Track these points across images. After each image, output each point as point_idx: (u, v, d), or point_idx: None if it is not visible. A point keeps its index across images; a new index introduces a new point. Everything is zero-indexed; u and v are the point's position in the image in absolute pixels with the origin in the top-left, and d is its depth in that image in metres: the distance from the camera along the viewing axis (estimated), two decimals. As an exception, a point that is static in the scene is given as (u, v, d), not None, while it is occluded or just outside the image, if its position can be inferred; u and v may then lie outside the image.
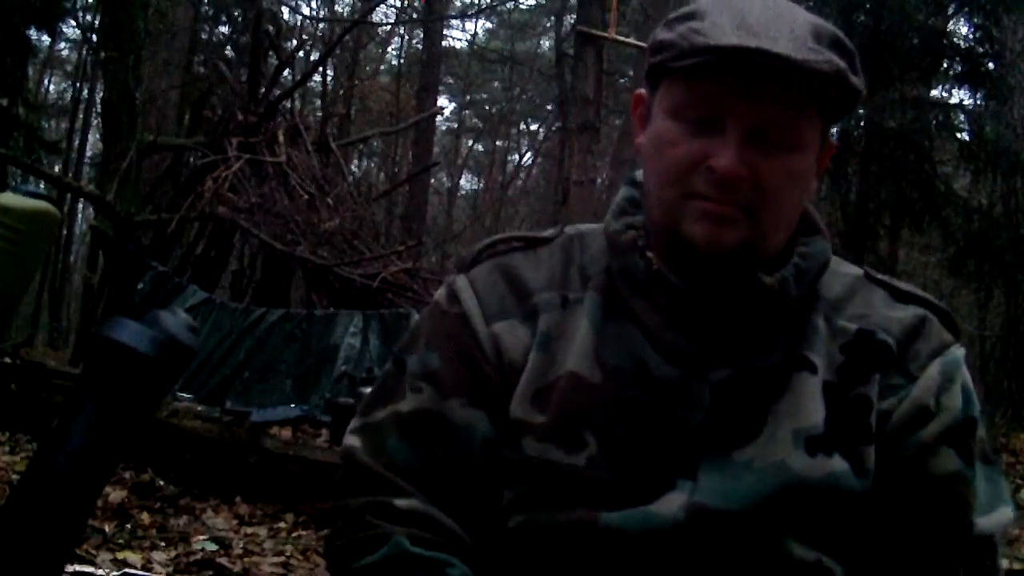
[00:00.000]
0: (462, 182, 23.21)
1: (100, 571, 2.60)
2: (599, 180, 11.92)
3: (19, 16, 9.95)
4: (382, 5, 16.87)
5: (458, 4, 20.35)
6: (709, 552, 0.98)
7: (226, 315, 7.02)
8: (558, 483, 1.01)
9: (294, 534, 4.26)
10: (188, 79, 13.48)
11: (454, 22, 19.98)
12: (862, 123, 9.51)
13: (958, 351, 1.06)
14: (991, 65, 9.90)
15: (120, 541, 3.77)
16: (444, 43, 18.11)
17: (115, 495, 4.30)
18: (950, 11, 10.13)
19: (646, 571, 0.99)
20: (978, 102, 10.51)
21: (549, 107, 19.61)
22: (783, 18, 0.97)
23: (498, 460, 1.05)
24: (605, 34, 8.10)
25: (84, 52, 15.86)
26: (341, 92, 16.08)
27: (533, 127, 22.43)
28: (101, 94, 11.62)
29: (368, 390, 1.15)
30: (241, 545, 3.92)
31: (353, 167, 14.53)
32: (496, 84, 22.08)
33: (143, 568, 3.40)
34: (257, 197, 7.74)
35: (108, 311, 7.18)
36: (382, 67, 20.87)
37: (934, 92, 10.64)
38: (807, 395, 1.01)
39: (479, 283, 1.10)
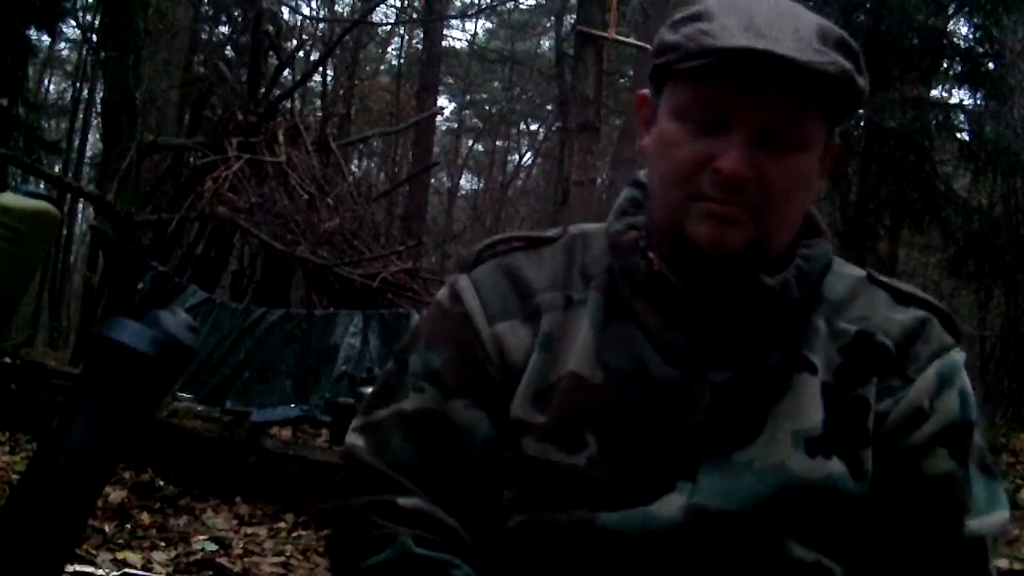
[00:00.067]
0: (462, 182, 23.24)
1: (100, 571, 2.60)
2: (599, 180, 11.91)
3: (19, 16, 9.95)
4: (382, 5, 16.90)
5: (458, 4, 20.37)
6: (708, 553, 0.98)
7: (226, 315, 7.03)
8: (558, 483, 1.01)
9: (294, 534, 4.25)
10: (188, 79, 13.49)
11: (454, 22, 20.02)
12: (862, 123, 9.50)
13: (957, 355, 1.06)
14: (991, 65, 9.89)
15: (120, 541, 3.76)
16: (444, 43, 18.14)
17: (115, 495, 4.30)
18: (950, 11, 10.11)
19: (645, 572, 0.99)
20: (978, 102, 10.50)
21: (549, 107, 19.61)
22: (789, 19, 0.97)
23: (498, 460, 1.04)
24: (605, 34, 8.10)
25: (84, 52, 15.88)
26: (341, 92, 16.08)
27: (533, 127, 22.48)
28: (101, 94, 11.64)
29: (368, 390, 1.15)
30: (241, 545, 3.92)
31: (353, 167, 14.52)
32: (496, 84, 22.08)
33: (143, 568, 3.40)
34: (257, 197, 7.74)
35: (108, 311, 7.18)
36: (382, 67, 20.91)
37: (934, 92, 10.63)
38: (807, 396, 1.01)
39: (481, 283, 1.10)
